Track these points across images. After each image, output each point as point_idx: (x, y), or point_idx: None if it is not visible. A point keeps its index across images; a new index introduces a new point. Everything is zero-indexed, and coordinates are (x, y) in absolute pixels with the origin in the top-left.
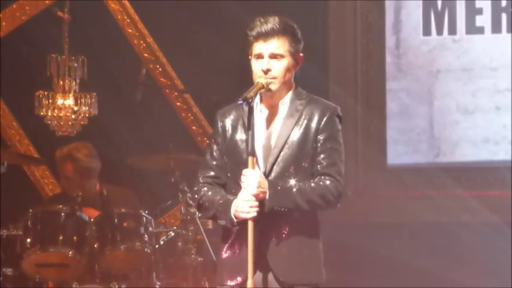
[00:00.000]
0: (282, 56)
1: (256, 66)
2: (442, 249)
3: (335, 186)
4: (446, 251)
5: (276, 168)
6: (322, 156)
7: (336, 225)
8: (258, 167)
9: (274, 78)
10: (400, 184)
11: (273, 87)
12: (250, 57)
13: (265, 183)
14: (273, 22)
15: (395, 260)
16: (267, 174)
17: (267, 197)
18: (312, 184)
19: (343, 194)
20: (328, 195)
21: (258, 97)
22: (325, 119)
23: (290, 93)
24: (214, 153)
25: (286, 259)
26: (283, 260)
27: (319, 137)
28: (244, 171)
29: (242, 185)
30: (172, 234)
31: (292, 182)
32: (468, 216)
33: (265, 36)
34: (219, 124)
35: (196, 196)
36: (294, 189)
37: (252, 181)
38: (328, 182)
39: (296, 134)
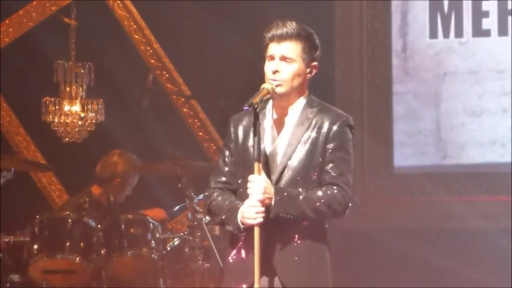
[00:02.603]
0: (292, 60)
1: (267, 67)
2: (450, 254)
3: (342, 196)
4: (454, 255)
5: (284, 177)
6: (330, 165)
7: (342, 231)
8: (266, 174)
9: (281, 80)
10: (406, 189)
11: (279, 89)
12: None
13: (272, 189)
14: (289, 26)
15: (403, 265)
16: (275, 182)
17: (273, 203)
18: (319, 193)
19: (351, 204)
20: (334, 205)
21: (270, 102)
22: (335, 128)
23: (302, 100)
24: (227, 159)
25: (293, 266)
26: (290, 267)
27: (328, 146)
28: (250, 177)
29: (248, 190)
30: (179, 240)
31: (300, 189)
32: (475, 221)
33: (279, 38)
34: (232, 130)
35: (206, 201)
36: (301, 197)
37: (258, 187)
38: (335, 192)
39: (305, 143)
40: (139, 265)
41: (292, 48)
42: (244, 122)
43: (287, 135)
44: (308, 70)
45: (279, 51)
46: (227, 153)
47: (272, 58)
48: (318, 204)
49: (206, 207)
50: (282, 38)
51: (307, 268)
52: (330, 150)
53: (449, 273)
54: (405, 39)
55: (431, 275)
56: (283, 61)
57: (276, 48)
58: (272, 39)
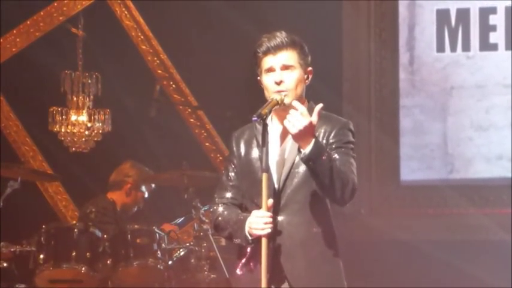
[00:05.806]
0: (293, 67)
1: (268, 80)
2: (457, 265)
3: (354, 180)
4: (460, 269)
5: (288, 184)
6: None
7: (349, 242)
8: (271, 182)
9: (287, 89)
10: (413, 201)
11: (287, 99)
12: (258, 77)
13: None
14: (280, 36)
15: (410, 276)
16: (279, 190)
17: (313, 141)
18: (342, 168)
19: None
20: (349, 185)
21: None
22: (335, 130)
23: None
24: (230, 175)
25: (305, 273)
26: (302, 274)
27: (329, 147)
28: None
29: (288, 122)
30: (185, 250)
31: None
32: (483, 233)
33: (275, 49)
34: (234, 145)
35: (212, 217)
36: (332, 159)
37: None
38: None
39: None
40: (145, 275)
41: (290, 56)
42: (245, 136)
43: (290, 143)
44: (305, 76)
45: (279, 61)
46: (230, 168)
47: (271, 70)
48: (341, 173)
49: (212, 223)
50: (277, 48)
51: (320, 274)
52: (332, 151)
53: (455, 284)
54: (412, 52)
55: (437, 286)
56: (285, 70)
57: (273, 59)
58: (267, 52)
